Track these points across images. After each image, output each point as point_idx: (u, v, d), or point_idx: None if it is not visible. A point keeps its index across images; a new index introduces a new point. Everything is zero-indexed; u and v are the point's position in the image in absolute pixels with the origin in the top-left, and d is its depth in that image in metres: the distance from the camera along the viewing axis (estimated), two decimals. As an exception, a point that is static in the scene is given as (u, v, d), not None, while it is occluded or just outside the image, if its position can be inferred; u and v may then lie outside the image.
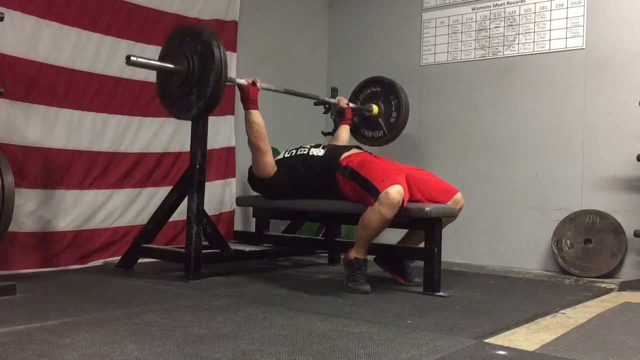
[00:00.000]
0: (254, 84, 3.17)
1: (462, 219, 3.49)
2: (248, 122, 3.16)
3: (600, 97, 3.87)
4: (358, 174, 2.91)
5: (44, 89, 3.25)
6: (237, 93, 4.19)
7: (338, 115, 3.83)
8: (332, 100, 3.85)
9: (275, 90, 3.45)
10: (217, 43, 2.86)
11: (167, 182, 3.78)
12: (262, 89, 3.25)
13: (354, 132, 3.96)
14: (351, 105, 3.86)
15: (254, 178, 3.34)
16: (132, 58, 2.76)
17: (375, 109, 3.94)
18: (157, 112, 3.61)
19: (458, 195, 3.08)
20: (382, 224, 2.79)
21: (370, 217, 2.80)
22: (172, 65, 2.95)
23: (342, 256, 3.41)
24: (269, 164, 3.20)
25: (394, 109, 3.92)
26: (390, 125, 3.93)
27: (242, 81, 3.17)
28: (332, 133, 4.09)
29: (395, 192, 2.72)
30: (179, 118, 3.17)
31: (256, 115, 3.16)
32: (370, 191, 2.79)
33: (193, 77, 2.90)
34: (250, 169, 3.35)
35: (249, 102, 3.16)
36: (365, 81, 4.07)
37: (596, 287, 3.33)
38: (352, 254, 2.92)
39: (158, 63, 3.01)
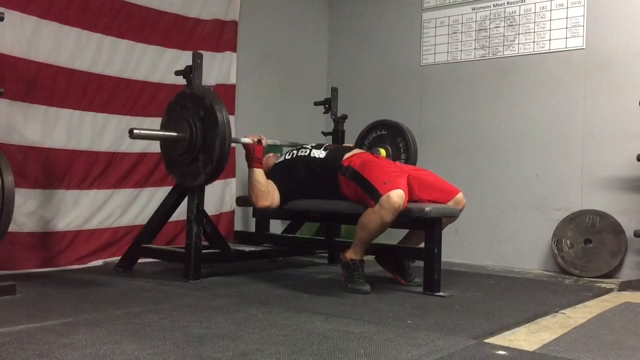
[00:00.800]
0: (259, 142, 3.11)
1: (462, 219, 3.48)
2: (251, 180, 3.09)
3: (600, 97, 3.87)
4: (360, 175, 2.90)
5: (44, 89, 3.25)
6: (237, 104, 4.24)
7: None
8: None
9: (280, 145, 3.42)
10: (219, 107, 2.84)
11: (167, 182, 3.78)
12: (268, 145, 3.19)
13: None
14: None
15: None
16: (135, 131, 2.74)
17: (382, 153, 3.80)
18: (157, 112, 3.61)
19: (459, 195, 3.07)
20: (382, 226, 2.79)
21: (370, 219, 2.79)
22: (175, 133, 2.93)
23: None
24: (274, 207, 3.17)
25: (402, 151, 3.80)
26: None
27: (247, 140, 3.11)
28: (332, 133, 4.09)
29: (397, 196, 2.72)
30: (187, 185, 3.06)
31: (260, 174, 3.09)
32: (372, 193, 2.79)
33: (197, 143, 2.88)
34: None
35: (254, 160, 3.09)
36: (369, 126, 3.94)
37: (596, 287, 3.33)
38: (349, 255, 2.92)
39: (161, 133, 2.99)
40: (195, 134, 2.89)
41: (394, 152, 3.82)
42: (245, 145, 3.12)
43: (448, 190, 3.07)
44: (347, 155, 3.10)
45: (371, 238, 2.87)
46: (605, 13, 3.88)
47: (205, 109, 2.88)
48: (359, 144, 3.92)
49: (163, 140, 3.10)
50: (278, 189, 3.18)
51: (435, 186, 3.06)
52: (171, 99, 3.12)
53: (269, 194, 3.12)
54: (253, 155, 3.09)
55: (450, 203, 3.03)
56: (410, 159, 3.76)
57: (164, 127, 3.08)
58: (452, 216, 3.06)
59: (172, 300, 2.53)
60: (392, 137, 3.85)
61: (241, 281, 3.11)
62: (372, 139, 3.93)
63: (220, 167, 2.90)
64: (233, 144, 4.17)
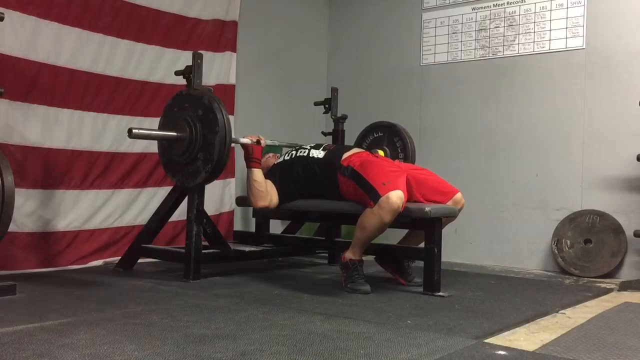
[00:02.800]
0: (258, 142, 3.12)
1: (462, 219, 3.49)
2: (249, 181, 3.10)
3: (600, 97, 3.87)
4: (359, 175, 2.90)
5: (44, 89, 3.25)
6: (236, 104, 4.24)
7: None
8: None
9: (279, 145, 3.43)
10: (218, 106, 2.85)
11: (167, 182, 3.78)
12: (266, 145, 3.20)
13: None
14: None
15: None
16: (134, 131, 2.73)
17: (381, 154, 3.84)
18: (157, 112, 3.60)
19: (458, 195, 3.08)
20: (381, 227, 2.79)
21: (369, 219, 2.79)
22: (174, 133, 2.92)
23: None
24: (272, 207, 3.17)
25: (400, 151, 3.83)
26: None
27: (246, 140, 3.12)
28: (332, 133, 4.09)
29: (396, 197, 2.72)
30: (186, 185, 3.05)
31: (258, 174, 3.10)
32: (371, 194, 2.79)
33: (197, 142, 2.88)
34: None
35: (253, 161, 3.11)
36: (365, 129, 3.97)
37: (596, 287, 3.33)
38: (348, 255, 2.92)
39: (160, 133, 2.98)
40: (195, 133, 2.89)
41: (392, 152, 3.85)
42: (243, 146, 3.13)
43: (447, 191, 3.07)
44: (346, 154, 3.10)
45: (370, 239, 2.87)
46: (605, 13, 3.88)
47: (205, 108, 2.88)
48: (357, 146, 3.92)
49: (162, 141, 3.09)
50: (277, 189, 3.18)
51: (434, 186, 3.06)
52: (168, 101, 3.12)
53: (268, 194, 3.13)
54: (251, 156, 3.10)
55: (449, 203, 3.03)
56: (409, 158, 3.79)
57: (161, 128, 3.08)
58: (452, 216, 3.06)
59: (172, 300, 2.53)
60: (388, 137, 3.89)
61: (241, 281, 3.11)
62: (370, 142, 3.96)
63: (220, 165, 2.90)
64: (232, 145, 4.21)
